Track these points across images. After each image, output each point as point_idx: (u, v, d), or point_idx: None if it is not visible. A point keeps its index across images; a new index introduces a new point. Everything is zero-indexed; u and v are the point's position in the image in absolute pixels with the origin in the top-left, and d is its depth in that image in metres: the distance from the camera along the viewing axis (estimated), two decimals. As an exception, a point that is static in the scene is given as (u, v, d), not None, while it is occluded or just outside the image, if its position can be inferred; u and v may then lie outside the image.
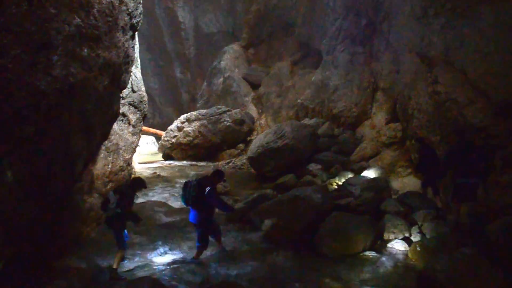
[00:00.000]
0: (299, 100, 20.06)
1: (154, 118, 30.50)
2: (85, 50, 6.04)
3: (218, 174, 8.09)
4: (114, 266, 7.38)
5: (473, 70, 9.60)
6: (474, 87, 9.55)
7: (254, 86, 24.72)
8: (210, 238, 8.20)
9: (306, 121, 18.42)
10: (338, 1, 18.40)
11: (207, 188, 7.65)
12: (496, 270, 6.67)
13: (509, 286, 6.50)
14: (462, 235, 8.34)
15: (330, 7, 19.31)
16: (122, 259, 7.70)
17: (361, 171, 13.48)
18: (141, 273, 7.55)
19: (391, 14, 14.24)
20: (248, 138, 21.28)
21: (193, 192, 7.72)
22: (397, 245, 8.58)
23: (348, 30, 17.57)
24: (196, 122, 20.77)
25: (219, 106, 22.20)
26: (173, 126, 21.22)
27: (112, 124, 9.33)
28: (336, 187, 12.64)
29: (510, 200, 8.34)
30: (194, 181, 7.89)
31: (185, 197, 7.87)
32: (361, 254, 8.36)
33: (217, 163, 19.31)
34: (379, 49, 15.60)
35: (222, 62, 25.66)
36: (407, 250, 8.35)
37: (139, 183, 7.84)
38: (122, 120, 10.91)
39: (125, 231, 7.66)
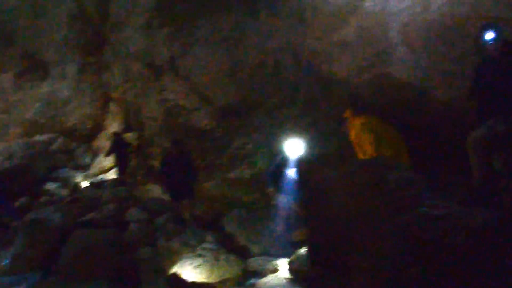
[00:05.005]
0: (27, 116, 18.59)
1: None
2: None
3: None
4: None
5: (197, 78, 10.26)
6: (199, 93, 10.23)
7: (-29, 102, 21.94)
8: None
9: (38, 137, 17.21)
10: (62, 9, 17.61)
11: None
12: (234, 257, 7.44)
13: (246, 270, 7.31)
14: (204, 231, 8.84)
15: (54, 15, 18.37)
16: None
17: (102, 184, 13.23)
18: None
19: (118, 24, 14.26)
20: (-31, 162, 18.77)
21: None
22: (145, 252, 8.65)
23: (75, 40, 16.90)
24: None
25: None
26: None
27: None
28: (78, 203, 12.16)
29: (238, 194, 9.37)
30: None
31: None
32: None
33: None
34: (109, 59, 15.50)
35: None
36: (153, 254, 8.56)
37: None
38: None
39: None
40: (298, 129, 8.11)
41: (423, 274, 3.92)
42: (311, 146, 7.74)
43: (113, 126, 15.38)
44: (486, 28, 4.73)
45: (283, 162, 7.76)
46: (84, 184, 13.57)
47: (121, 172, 13.06)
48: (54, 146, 16.18)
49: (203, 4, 9.97)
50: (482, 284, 3.68)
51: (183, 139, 10.11)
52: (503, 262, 3.73)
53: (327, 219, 5.02)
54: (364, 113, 6.74)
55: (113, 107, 15.79)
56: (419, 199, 4.47)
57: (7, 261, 8.42)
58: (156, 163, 11.83)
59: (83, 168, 14.99)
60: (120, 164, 13.02)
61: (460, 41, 5.85)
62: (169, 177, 9.74)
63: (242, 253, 7.75)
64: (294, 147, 7.74)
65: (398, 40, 6.57)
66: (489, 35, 4.65)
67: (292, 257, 7.10)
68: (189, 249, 7.90)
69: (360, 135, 6.35)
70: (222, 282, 6.84)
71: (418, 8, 6.25)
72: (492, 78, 4.81)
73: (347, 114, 6.89)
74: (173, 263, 7.56)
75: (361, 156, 6.33)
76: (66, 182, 13.87)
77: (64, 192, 13.22)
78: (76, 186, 13.44)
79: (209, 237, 8.39)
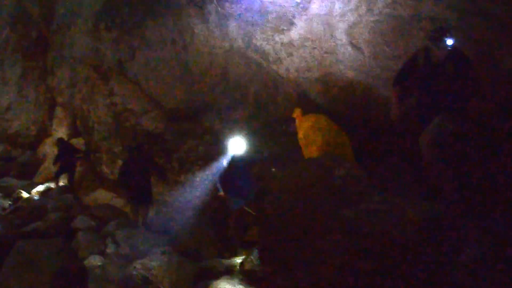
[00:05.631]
0: (-35, 123, 17.79)
1: None
2: None
3: None
4: None
5: (145, 81, 10.14)
6: (148, 97, 10.10)
7: None
8: None
9: (-24, 145, 16.58)
10: (2, 10, 17.05)
11: None
12: (186, 260, 7.37)
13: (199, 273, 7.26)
14: (155, 235, 8.65)
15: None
16: None
17: (48, 192, 12.84)
18: None
19: (63, 27, 13.89)
20: None
21: None
22: (94, 260, 8.45)
23: (17, 43, 16.35)
24: None
25: None
26: None
27: None
28: (21, 213, 11.73)
29: (189, 197, 9.28)
30: None
31: None
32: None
33: None
34: (54, 63, 15.06)
35: None
36: (103, 262, 8.30)
37: None
38: None
39: None
40: (249, 130, 8.14)
41: (371, 267, 3.96)
42: (261, 147, 7.79)
43: (60, 131, 14.94)
44: (444, 33, 4.83)
45: (233, 164, 7.76)
46: (28, 193, 13.08)
47: (68, 180, 12.77)
48: (-5, 154, 15.63)
49: (151, 6, 9.83)
50: (428, 275, 3.74)
51: (143, 143, 9.88)
52: (446, 253, 3.81)
53: (277, 218, 5.00)
54: (313, 113, 6.82)
55: (59, 112, 15.33)
56: (365, 194, 4.56)
57: None
58: (105, 169, 11.60)
59: (27, 176, 14.47)
60: (67, 171, 12.70)
61: (403, 41, 6.04)
62: (129, 182, 9.39)
63: (195, 256, 7.64)
64: (244, 149, 7.76)
65: (344, 40, 6.70)
66: (449, 41, 4.76)
67: (244, 257, 7.09)
68: (141, 254, 7.73)
69: (308, 135, 6.41)
70: (175, 285, 6.73)
71: (362, 10, 6.39)
72: (437, 79, 4.97)
73: (296, 113, 6.95)
74: (124, 269, 7.41)
75: (308, 156, 6.37)
76: (8, 192, 13.33)
77: (6, 202, 12.71)
78: (19, 195, 12.92)
79: (160, 242, 8.22)
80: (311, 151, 6.45)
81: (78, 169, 13.06)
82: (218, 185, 7.90)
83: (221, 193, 7.93)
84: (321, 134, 6.38)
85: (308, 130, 6.51)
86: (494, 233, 3.85)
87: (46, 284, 7.51)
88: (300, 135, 6.68)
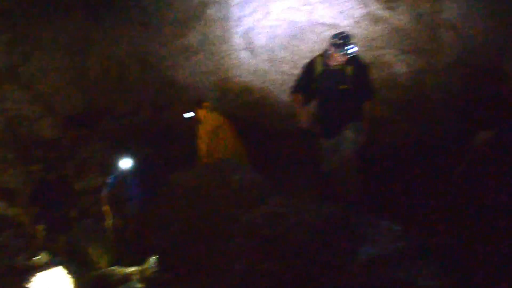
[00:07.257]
0: None
1: None
2: None
3: None
4: None
5: (39, 86, 9.20)
6: (42, 102, 9.22)
7: None
8: None
9: None
10: None
11: None
12: (84, 269, 6.72)
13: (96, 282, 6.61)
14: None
15: None
16: None
17: None
18: None
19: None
20: None
21: None
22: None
23: None
24: None
25: None
26: None
27: None
28: None
29: (86, 205, 8.59)
30: None
31: None
32: None
33: None
34: None
35: None
36: (-1, 277, 7.53)
37: None
38: None
39: None
40: (146, 135, 7.68)
41: (272, 270, 3.74)
42: (160, 151, 7.39)
43: None
44: (347, 40, 4.58)
45: (130, 169, 7.25)
46: None
47: None
48: None
49: (45, 9, 9.02)
50: (326, 275, 3.51)
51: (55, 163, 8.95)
52: (343, 253, 3.62)
53: (176, 223, 4.77)
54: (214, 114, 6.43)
55: None
56: (262, 198, 4.42)
57: None
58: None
59: None
60: None
61: (299, 45, 5.88)
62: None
63: (92, 265, 7.10)
64: (141, 154, 7.32)
65: (241, 45, 6.45)
66: (352, 49, 4.53)
67: (144, 265, 6.64)
68: (37, 265, 7.05)
69: (206, 138, 6.06)
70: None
71: (259, 15, 6.17)
72: (337, 83, 4.78)
73: (205, 105, 6.50)
74: (20, 282, 6.71)
75: (205, 158, 6.06)
76: None
77: None
78: None
79: (58, 251, 7.76)
80: (209, 153, 6.11)
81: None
82: (107, 188, 7.42)
83: (104, 195, 7.46)
84: (219, 137, 6.06)
85: (207, 133, 6.14)
86: (390, 231, 3.70)
87: None
88: (200, 135, 6.27)
